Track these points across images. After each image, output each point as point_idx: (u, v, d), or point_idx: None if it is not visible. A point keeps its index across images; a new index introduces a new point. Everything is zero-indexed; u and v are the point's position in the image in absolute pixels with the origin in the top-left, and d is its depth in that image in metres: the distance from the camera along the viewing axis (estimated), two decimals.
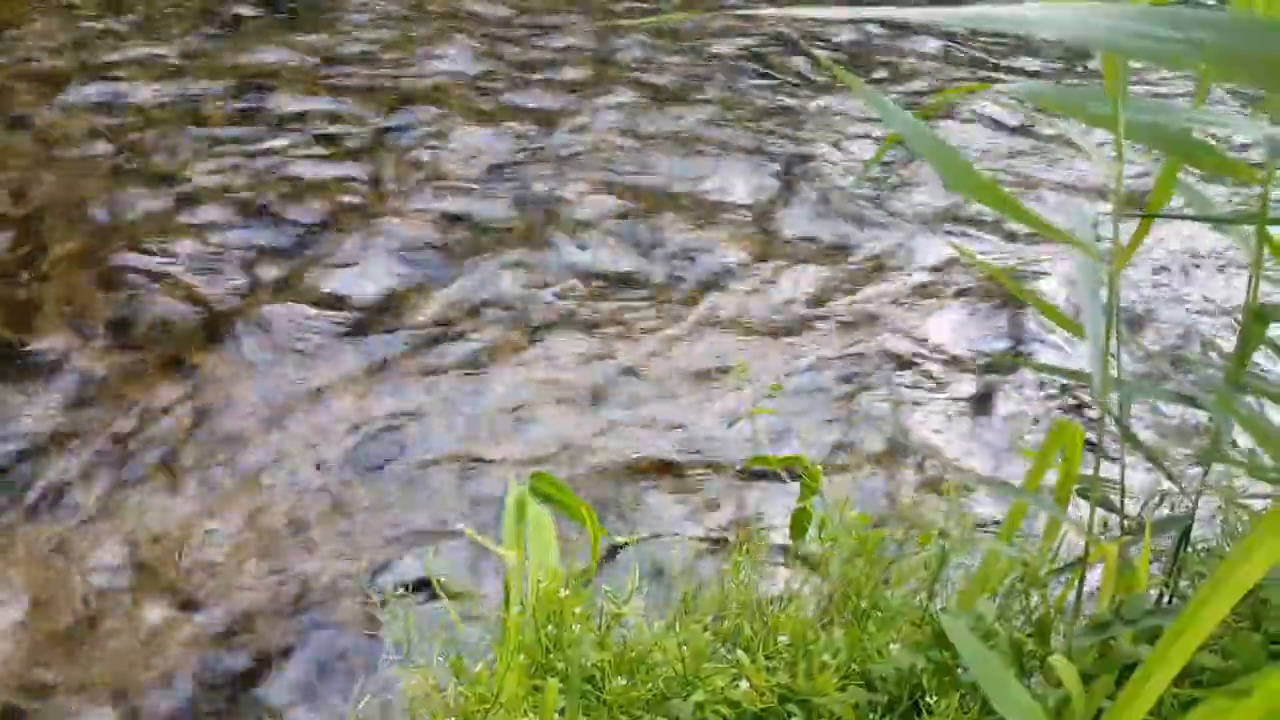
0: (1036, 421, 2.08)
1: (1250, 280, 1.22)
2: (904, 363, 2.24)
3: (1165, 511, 1.53)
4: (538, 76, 3.34)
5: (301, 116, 2.94)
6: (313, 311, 2.22)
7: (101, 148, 2.69)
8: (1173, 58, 0.48)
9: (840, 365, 2.22)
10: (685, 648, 1.05)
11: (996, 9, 0.56)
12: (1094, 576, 1.23)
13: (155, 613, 1.58)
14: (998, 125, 3.22)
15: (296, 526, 1.73)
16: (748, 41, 3.72)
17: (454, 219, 2.58)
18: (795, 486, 1.59)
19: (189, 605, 1.59)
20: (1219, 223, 1.21)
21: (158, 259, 2.31)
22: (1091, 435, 1.30)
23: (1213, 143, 0.97)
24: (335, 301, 2.25)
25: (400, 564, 1.65)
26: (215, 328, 2.15)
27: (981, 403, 2.16)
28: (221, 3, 3.55)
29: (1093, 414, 1.92)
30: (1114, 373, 1.28)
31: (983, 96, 3.07)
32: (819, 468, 1.56)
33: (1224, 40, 0.46)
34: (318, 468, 1.86)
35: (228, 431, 1.91)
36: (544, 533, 1.16)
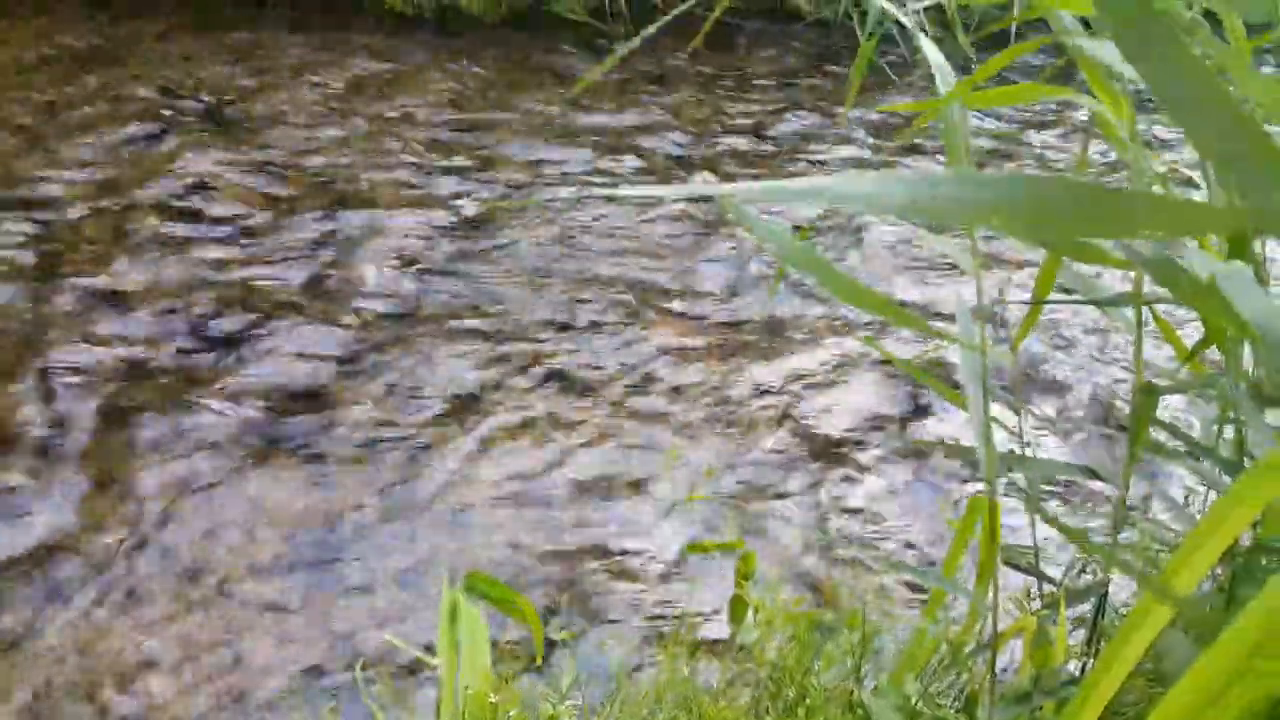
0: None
1: (1135, 357, 1.29)
2: (834, 439, 2.29)
3: (1087, 578, 1.59)
4: (473, 177, 3.41)
5: (233, 219, 2.96)
6: (246, 415, 2.21)
7: (28, 254, 2.69)
8: (965, 218, 0.54)
9: (772, 443, 2.26)
10: None
11: (795, 183, 0.61)
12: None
13: None
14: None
15: (229, 637, 1.71)
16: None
17: (389, 318, 2.61)
18: (732, 572, 1.61)
19: None
20: (1102, 305, 1.29)
21: (86, 367, 2.30)
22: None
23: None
24: (269, 404, 2.25)
25: (335, 673, 1.64)
26: (146, 436, 2.14)
27: (913, 475, 2.21)
28: (156, 108, 3.59)
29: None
30: (1015, 447, 1.34)
31: None
32: (754, 552, 1.59)
33: (997, 198, 0.52)
34: (251, 574, 1.84)
35: (160, 543, 1.89)
36: (477, 635, 1.17)
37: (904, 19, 1.26)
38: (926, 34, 1.27)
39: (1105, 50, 1.10)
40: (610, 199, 3.32)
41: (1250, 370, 1.20)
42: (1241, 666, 0.63)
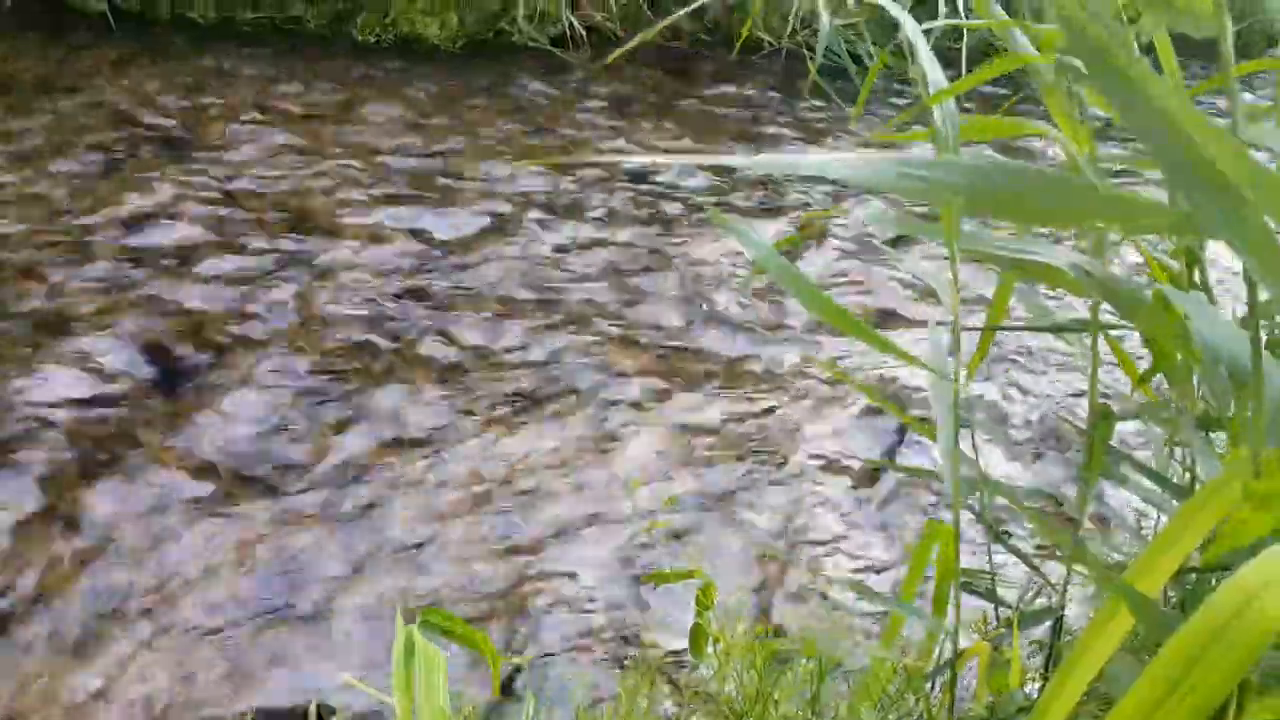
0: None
1: (1090, 383, 1.31)
2: (794, 463, 2.30)
3: (1042, 601, 1.60)
4: (435, 203, 3.41)
5: (191, 248, 2.94)
6: (202, 448, 2.18)
7: None
8: (929, 195, 0.56)
9: (736, 467, 2.27)
10: None
11: (795, 156, 0.65)
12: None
13: None
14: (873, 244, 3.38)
15: (184, 680, 1.67)
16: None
17: (350, 347, 2.59)
18: (692, 599, 1.61)
19: None
20: (1057, 331, 1.31)
21: (38, 399, 2.26)
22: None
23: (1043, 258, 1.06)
24: (226, 438, 2.23)
25: (291, 715, 1.61)
26: (98, 470, 2.10)
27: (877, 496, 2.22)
28: (112, 136, 3.55)
29: None
30: (975, 471, 1.35)
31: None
32: (713, 582, 1.59)
33: (964, 179, 0.54)
34: (207, 614, 1.81)
35: (112, 581, 1.85)
36: (434, 673, 1.15)
37: (906, 22, 1.27)
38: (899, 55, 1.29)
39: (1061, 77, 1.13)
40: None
41: (1197, 395, 1.23)
42: (1182, 679, 0.64)
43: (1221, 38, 0.63)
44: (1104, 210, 0.63)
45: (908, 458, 2.31)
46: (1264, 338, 0.69)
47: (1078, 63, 0.94)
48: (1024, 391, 2.62)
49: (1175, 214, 0.69)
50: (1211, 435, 1.23)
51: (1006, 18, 1.09)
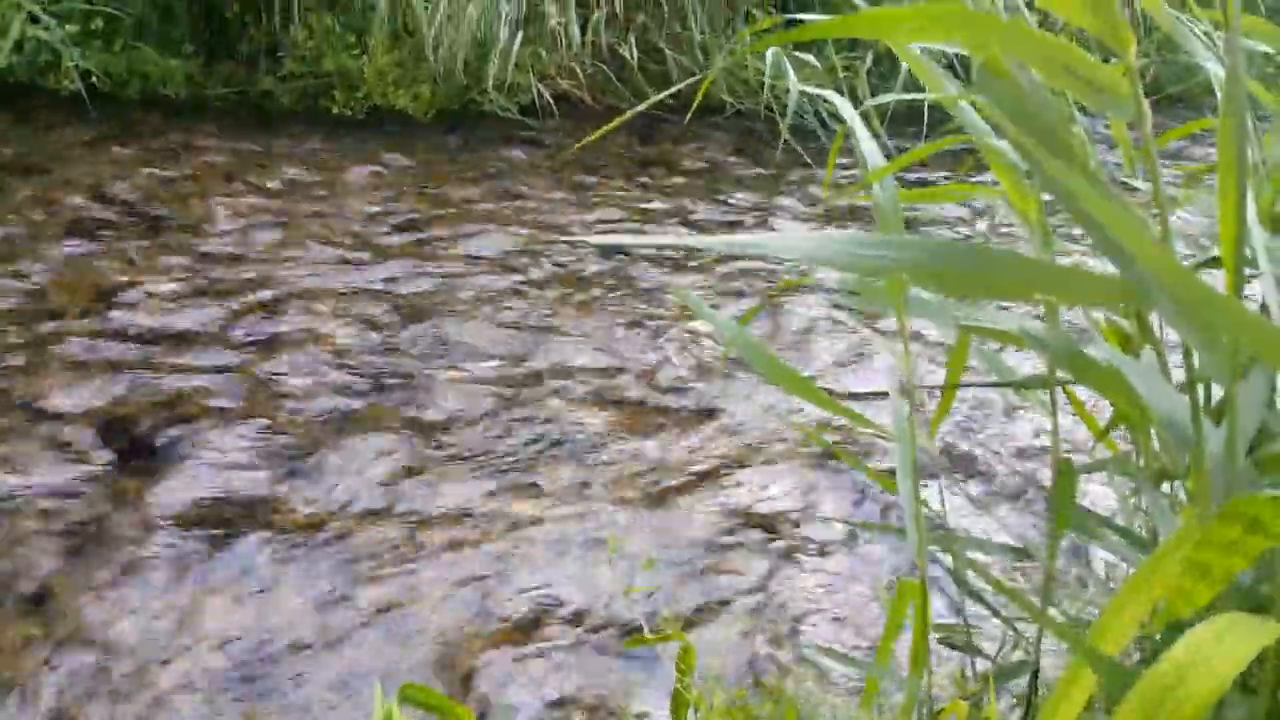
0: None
1: (1053, 439, 1.35)
2: (769, 519, 2.31)
3: (1019, 655, 1.61)
4: (409, 273, 3.44)
5: (166, 324, 2.95)
6: (176, 524, 2.17)
7: None
8: (874, 271, 0.60)
9: (711, 531, 2.28)
10: None
11: (747, 237, 0.69)
12: None
13: None
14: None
15: None
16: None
17: (325, 420, 2.59)
18: (673, 664, 1.61)
19: None
20: (1016, 387, 1.34)
21: (11, 483, 2.24)
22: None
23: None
24: (200, 512, 2.22)
25: None
26: (75, 553, 2.08)
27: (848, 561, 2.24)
28: (86, 215, 3.57)
29: None
30: (943, 526, 1.37)
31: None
32: (693, 646, 1.60)
33: (912, 258, 0.58)
34: (187, 691, 1.79)
35: (89, 663, 1.83)
36: None
37: (844, 109, 1.32)
38: (849, 125, 1.34)
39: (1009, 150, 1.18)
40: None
41: (1155, 450, 1.26)
42: None
43: (1141, 122, 0.67)
44: (1046, 284, 0.67)
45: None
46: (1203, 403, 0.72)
47: (1005, 146, 0.98)
48: (997, 442, 2.66)
49: (1117, 286, 0.72)
50: (1173, 487, 1.26)
51: (954, 91, 1.14)
